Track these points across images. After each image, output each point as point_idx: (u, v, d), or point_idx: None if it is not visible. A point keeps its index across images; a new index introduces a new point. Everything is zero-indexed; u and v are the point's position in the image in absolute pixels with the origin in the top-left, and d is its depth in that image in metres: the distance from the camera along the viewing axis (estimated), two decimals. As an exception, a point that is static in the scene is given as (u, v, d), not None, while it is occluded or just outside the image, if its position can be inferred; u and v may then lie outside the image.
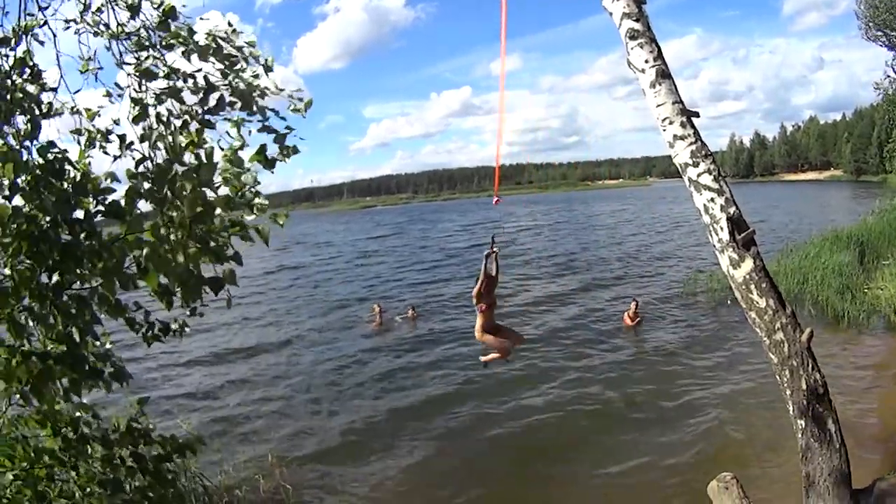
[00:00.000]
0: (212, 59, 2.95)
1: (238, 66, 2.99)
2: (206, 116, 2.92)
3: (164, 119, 2.92)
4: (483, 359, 7.95)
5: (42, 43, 2.64)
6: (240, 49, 3.01)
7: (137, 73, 2.87)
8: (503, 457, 7.69)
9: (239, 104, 2.96)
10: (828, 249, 15.94)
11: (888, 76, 35.03)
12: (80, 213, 2.80)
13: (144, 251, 2.70)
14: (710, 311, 14.50)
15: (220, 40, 2.97)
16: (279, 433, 8.61)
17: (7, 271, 2.78)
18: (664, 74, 4.03)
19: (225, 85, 2.96)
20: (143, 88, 2.87)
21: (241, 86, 2.97)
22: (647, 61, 4.05)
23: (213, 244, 2.83)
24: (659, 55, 4.06)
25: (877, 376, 9.29)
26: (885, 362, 9.91)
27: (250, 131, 2.94)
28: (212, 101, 2.93)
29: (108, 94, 2.83)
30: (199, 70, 2.95)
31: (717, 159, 3.93)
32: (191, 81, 2.95)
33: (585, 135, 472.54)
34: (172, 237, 2.78)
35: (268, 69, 3.05)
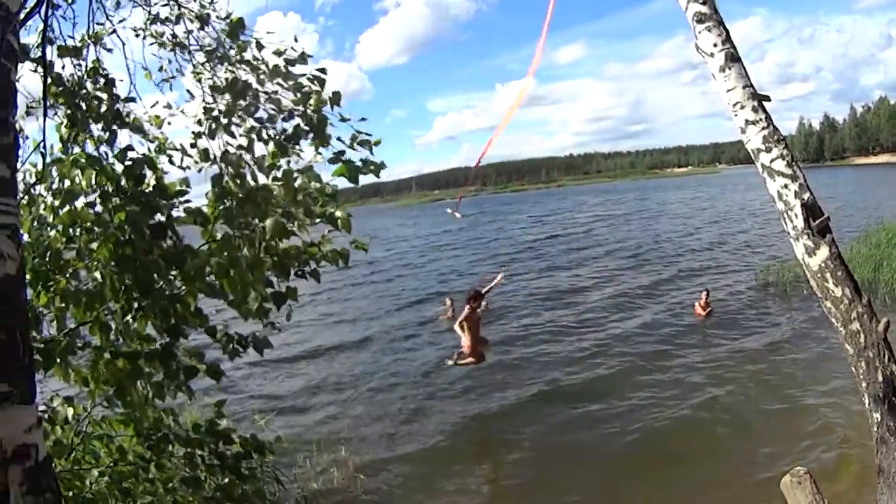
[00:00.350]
0: (279, 80, 2.94)
1: (308, 91, 2.96)
2: (284, 142, 2.92)
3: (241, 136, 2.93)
4: (460, 362, 8.57)
5: (110, 50, 2.68)
6: (311, 79, 2.97)
7: (210, 87, 2.88)
8: (593, 465, 7.23)
9: (311, 134, 2.94)
10: (903, 235, 14.97)
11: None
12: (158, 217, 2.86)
13: (215, 263, 2.71)
14: (784, 302, 13.79)
15: (289, 67, 2.93)
16: (357, 434, 8.50)
17: (97, 275, 2.87)
18: (733, 58, 3.88)
19: (298, 113, 2.95)
20: (214, 100, 2.89)
21: (311, 112, 2.95)
22: (715, 45, 3.91)
23: (287, 262, 2.84)
24: (727, 38, 3.93)
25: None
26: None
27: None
28: (287, 127, 2.93)
29: (169, 106, 2.87)
30: (276, 92, 2.95)
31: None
32: (263, 99, 2.95)
33: (652, 122, 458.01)
34: (246, 251, 2.79)
35: (334, 103, 2.99)
